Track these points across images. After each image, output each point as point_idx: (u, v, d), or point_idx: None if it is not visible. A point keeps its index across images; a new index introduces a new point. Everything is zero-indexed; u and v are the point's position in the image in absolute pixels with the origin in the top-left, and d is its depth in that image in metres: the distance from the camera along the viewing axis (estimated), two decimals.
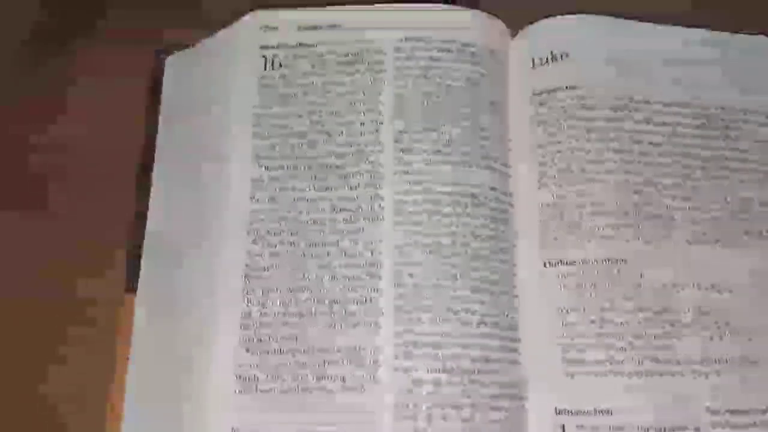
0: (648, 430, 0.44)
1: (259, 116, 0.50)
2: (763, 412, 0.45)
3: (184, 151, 0.51)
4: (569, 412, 0.45)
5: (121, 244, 0.49)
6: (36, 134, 0.53)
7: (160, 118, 0.51)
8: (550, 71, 0.51)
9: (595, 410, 0.45)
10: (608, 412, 0.44)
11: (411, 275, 0.46)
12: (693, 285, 0.47)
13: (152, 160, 0.51)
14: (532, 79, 0.51)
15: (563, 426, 0.45)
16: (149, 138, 0.51)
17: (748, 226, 0.48)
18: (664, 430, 0.44)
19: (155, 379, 0.46)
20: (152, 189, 0.50)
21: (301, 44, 0.51)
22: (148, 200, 0.50)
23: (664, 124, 0.50)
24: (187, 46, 0.53)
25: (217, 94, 0.51)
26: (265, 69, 0.51)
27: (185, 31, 0.53)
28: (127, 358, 0.47)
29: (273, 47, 0.51)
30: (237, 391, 0.45)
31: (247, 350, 0.45)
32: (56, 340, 0.48)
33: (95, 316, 0.48)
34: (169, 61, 0.53)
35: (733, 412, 0.44)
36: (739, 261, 0.47)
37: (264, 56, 0.51)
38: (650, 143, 0.49)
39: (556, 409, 0.45)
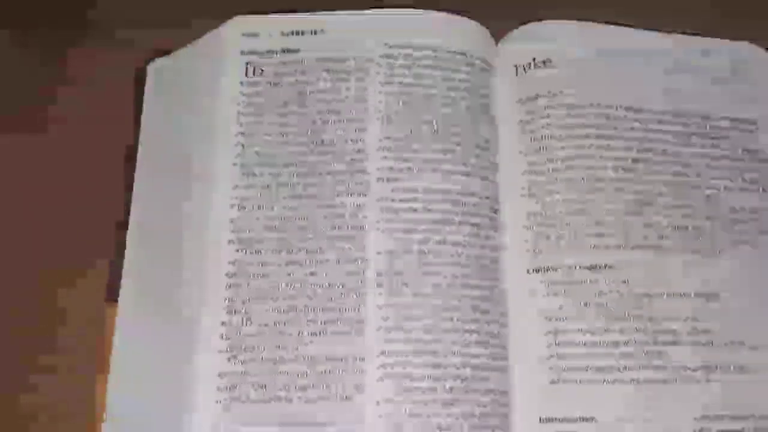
0: None
1: (242, 123, 0.49)
2: (754, 419, 0.45)
3: (165, 158, 0.50)
4: (554, 420, 0.45)
5: (103, 253, 0.49)
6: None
7: (142, 126, 0.51)
8: (534, 78, 0.51)
9: (580, 418, 0.44)
10: (593, 419, 0.44)
11: (397, 283, 0.46)
12: (681, 293, 0.47)
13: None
14: (517, 85, 0.51)
15: None
16: (134, 144, 0.51)
17: (737, 234, 0.48)
18: None
19: (136, 389, 0.45)
20: (134, 196, 0.49)
21: (284, 50, 0.51)
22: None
23: (649, 131, 0.50)
24: (169, 52, 0.52)
25: (199, 100, 0.50)
26: (247, 75, 0.50)
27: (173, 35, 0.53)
28: (108, 368, 0.46)
29: (255, 53, 0.51)
30: (218, 401, 0.44)
31: (229, 360, 0.45)
32: (38, 349, 0.47)
33: (75, 325, 0.48)
34: (151, 67, 0.52)
35: (721, 418, 0.44)
36: (727, 269, 0.47)
37: (246, 62, 0.51)
38: (637, 150, 0.49)
39: (540, 417, 0.45)
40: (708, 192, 0.49)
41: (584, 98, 0.50)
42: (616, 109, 0.50)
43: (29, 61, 0.55)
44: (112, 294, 0.47)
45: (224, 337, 0.45)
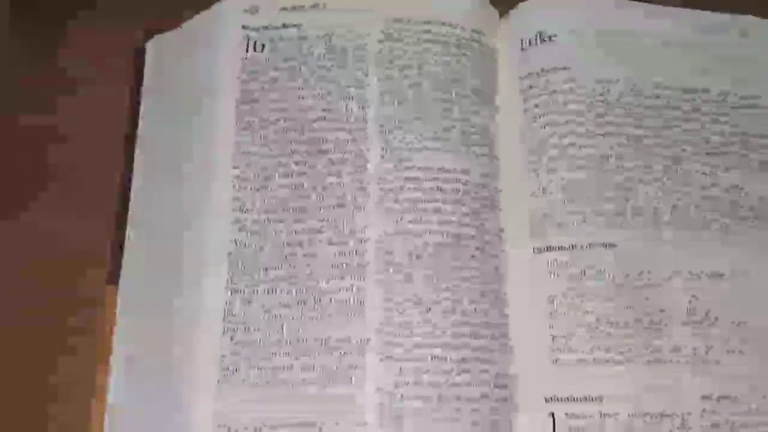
0: (638, 416, 0.44)
1: (242, 100, 0.49)
2: (754, 399, 0.45)
3: (165, 139, 0.49)
4: (559, 400, 0.45)
5: (103, 236, 0.48)
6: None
7: (142, 105, 0.50)
8: (538, 53, 0.50)
9: (585, 397, 0.44)
10: (598, 399, 0.44)
11: (397, 264, 0.45)
12: (683, 272, 0.46)
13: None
14: (521, 61, 0.50)
15: (553, 414, 0.44)
16: (133, 123, 0.50)
17: (737, 213, 0.48)
18: (655, 416, 0.44)
19: (137, 371, 0.45)
20: (134, 177, 0.49)
21: (284, 25, 0.50)
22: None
23: (654, 107, 0.49)
24: (167, 30, 0.51)
25: (199, 77, 0.50)
26: (248, 51, 0.50)
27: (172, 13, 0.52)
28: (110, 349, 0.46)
29: (255, 29, 0.50)
30: (219, 381, 0.44)
31: (231, 339, 0.45)
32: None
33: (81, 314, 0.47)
34: (150, 44, 0.52)
35: (723, 399, 0.44)
36: (728, 248, 0.47)
37: (247, 37, 0.50)
38: (640, 127, 0.49)
39: (545, 397, 0.45)
40: (711, 170, 0.48)
41: (588, 74, 0.49)
42: (619, 84, 0.49)
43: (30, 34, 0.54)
44: (113, 276, 0.47)
45: (225, 319, 0.45)
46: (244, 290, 0.45)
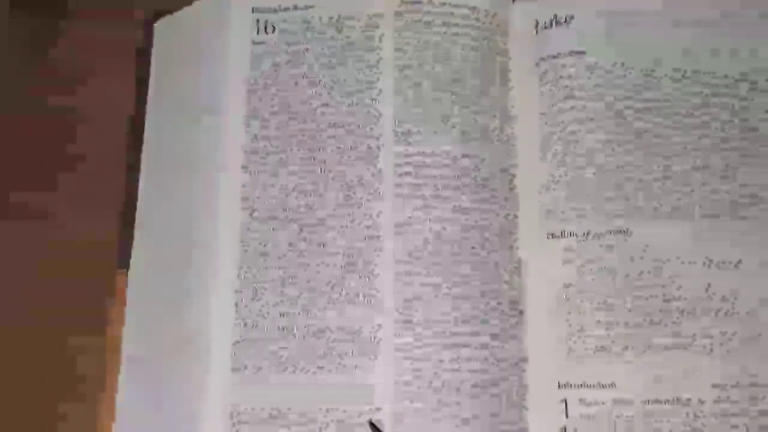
0: (651, 403, 0.44)
1: (251, 83, 0.48)
2: None
3: (174, 122, 0.49)
4: (572, 386, 0.45)
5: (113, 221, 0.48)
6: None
7: (150, 84, 0.50)
8: (554, 35, 0.49)
9: (597, 384, 0.44)
10: (611, 385, 0.44)
11: (410, 252, 0.45)
12: (699, 261, 0.46)
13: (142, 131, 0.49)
14: (536, 44, 0.49)
15: (565, 400, 0.44)
16: (139, 107, 0.49)
17: (754, 202, 0.47)
18: (668, 403, 0.44)
19: (150, 358, 0.45)
20: (143, 160, 0.48)
21: (295, 7, 0.49)
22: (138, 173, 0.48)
23: (671, 92, 0.48)
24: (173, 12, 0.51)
25: (208, 58, 0.49)
26: (258, 33, 0.49)
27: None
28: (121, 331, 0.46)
29: (265, 10, 0.49)
30: (233, 370, 0.44)
31: (244, 326, 0.45)
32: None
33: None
34: (158, 26, 0.51)
35: (737, 386, 0.44)
36: (745, 237, 0.46)
37: (257, 19, 0.49)
38: (658, 112, 0.48)
39: (558, 383, 0.45)
40: (729, 156, 0.48)
41: (606, 58, 0.48)
42: (636, 68, 0.48)
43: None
44: (123, 261, 0.47)
45: (237, 307, 0.45)
46: (255, 278, 0.45)
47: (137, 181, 0.48)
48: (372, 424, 0.43)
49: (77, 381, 0.46)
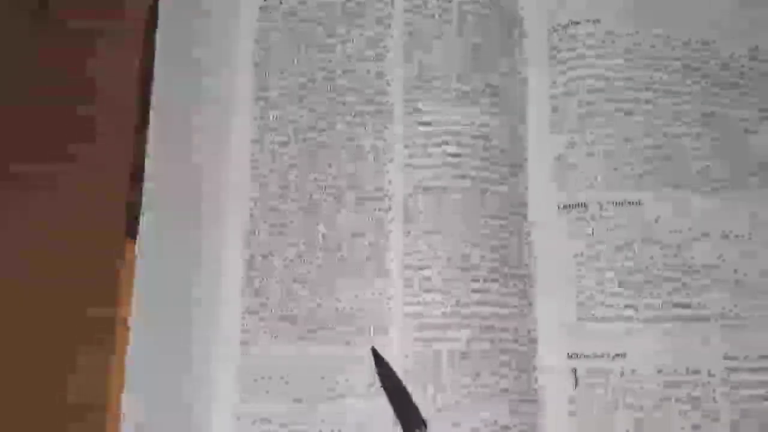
0: (661, 374, 0.44)
1: (260, 54, 0.47)
2: None
3: (181, 94, 0.48)
4: (582, 356, 0.44)
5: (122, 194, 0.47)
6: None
7: (157, 56, 0.48)
8: (569, 2, 0.48)
9: (608, 354, 0.44)
10: (621, 356, 0.44)
11: (421, 221, 0.45)
12: (711, 232, 0.46)
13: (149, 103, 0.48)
14: (551, 12, 0.49)
15: (575, 369, 0.44)
16: (146, 82, 0.48)
17: (761, 172, 0.47)
18: (678, 374, 0.44)
19: (158, 330, 0.45)
20: (150, 132, 0.47)
21: None
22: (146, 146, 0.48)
23: (684, 65, 0.48)
24: None
25: (216, 30, 0.48)
26: (266, 0, 0.48)
27: None
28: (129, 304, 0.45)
29: None
30: (243, 343, 0.44)
31: (256, 294, 0.45)
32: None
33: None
34: None
35: (747, 358, 0.44)
36: (758, 208, 0.46)
37: None
38: (670, 84, 0.47)
39: (568, 353, 0.45)
40: (742, 128, 0.47)
41: (622, 26, 0.48)
42: (651, 37, 0.48)
43: None
44: (131, 231, 0.46)
45: (247, 273, 0.45)
46: (267, 246, 0.45)
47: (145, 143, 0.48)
48: (375, 352, 0.43)
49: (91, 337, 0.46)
